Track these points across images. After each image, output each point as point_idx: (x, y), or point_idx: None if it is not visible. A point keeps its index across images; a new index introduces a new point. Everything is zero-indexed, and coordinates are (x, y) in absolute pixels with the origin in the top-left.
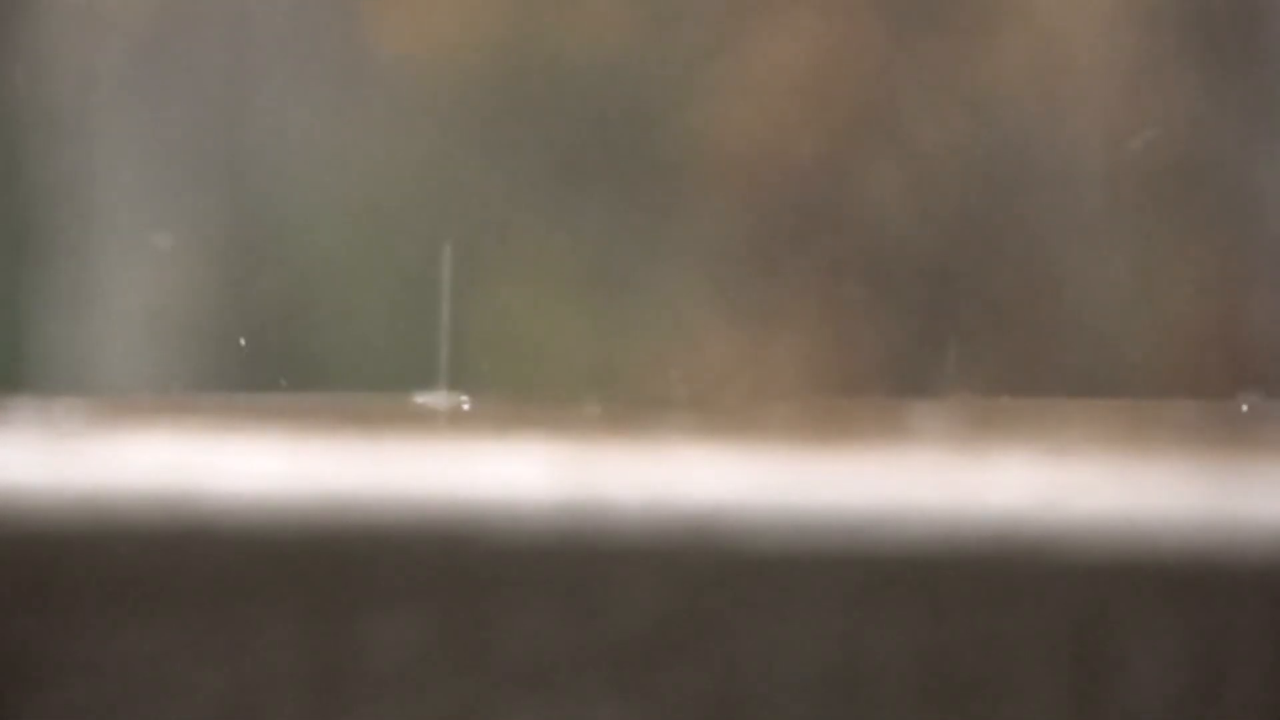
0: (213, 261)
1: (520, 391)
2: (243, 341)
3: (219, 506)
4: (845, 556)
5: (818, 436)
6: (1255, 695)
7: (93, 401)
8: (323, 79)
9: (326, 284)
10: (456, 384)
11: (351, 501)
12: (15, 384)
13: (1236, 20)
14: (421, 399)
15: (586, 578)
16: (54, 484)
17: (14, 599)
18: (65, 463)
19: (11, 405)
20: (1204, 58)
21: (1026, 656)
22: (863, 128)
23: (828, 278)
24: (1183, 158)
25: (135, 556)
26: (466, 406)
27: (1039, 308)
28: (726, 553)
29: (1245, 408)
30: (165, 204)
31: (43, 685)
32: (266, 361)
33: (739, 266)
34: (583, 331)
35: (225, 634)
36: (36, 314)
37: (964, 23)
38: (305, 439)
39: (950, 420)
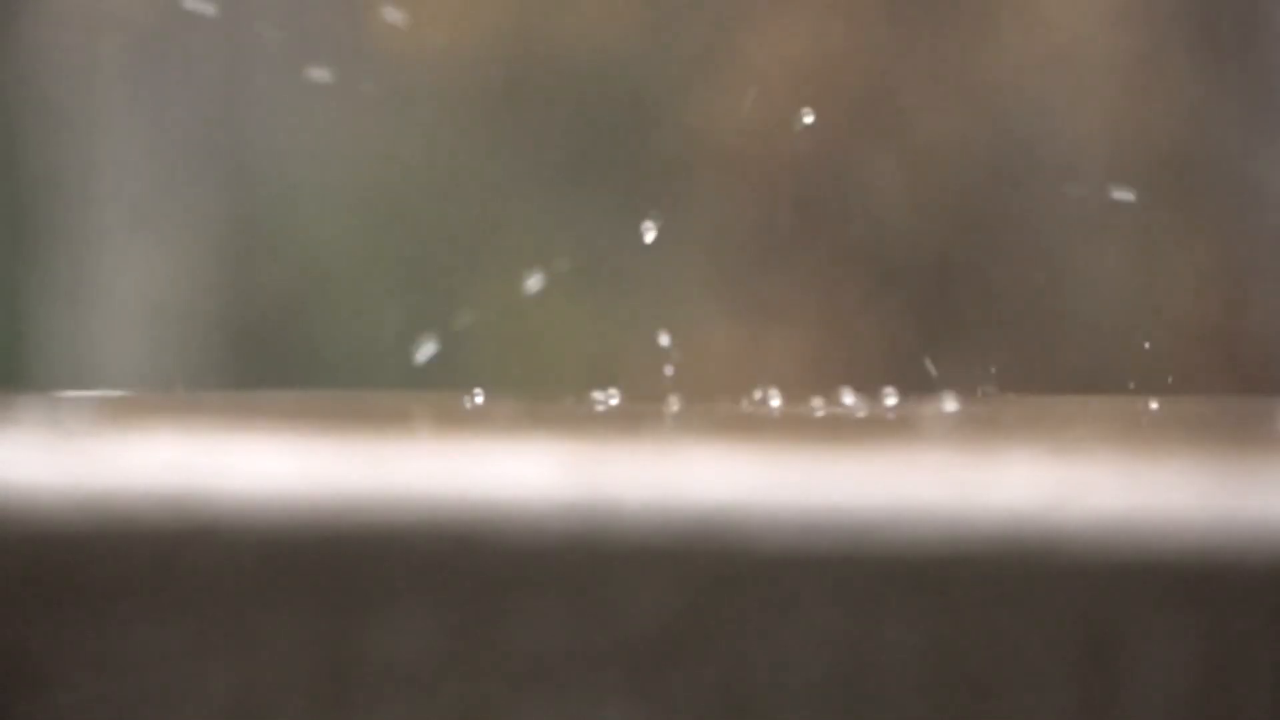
0: (215, 257)
1: (519, 385)
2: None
3: (226, 505)
4: (852, 556)
5: (825, 436)
6: (1263, 692)
7: (99, 400)
8: (324, 73)
9: (329, 278)
10: (458, 380)
11: (359, 501)
12: (21, 382)
13: (1238, 16)
14: (428, 397)
15: (595, 577)
16: (60, 483)
17: (21, 598)
18: (71, 461)
19: (17, 404)
20: (1205, 53)
21: (1034, 655)
22: (865, 122)
23: (830, 273)
24: (1186, 153)
25: (142, 556)
26: (479, 401)
27: (1044, 303)
28: (734, 552)
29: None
30: (168, 200)
31: (50, 684)
32: (268, 357)
33: (742, 260)
34: (584, 325)
35: (233, 633)
36: (41, 311)
37: (966, 17)
38: (312, 438)
39: (956, 419)
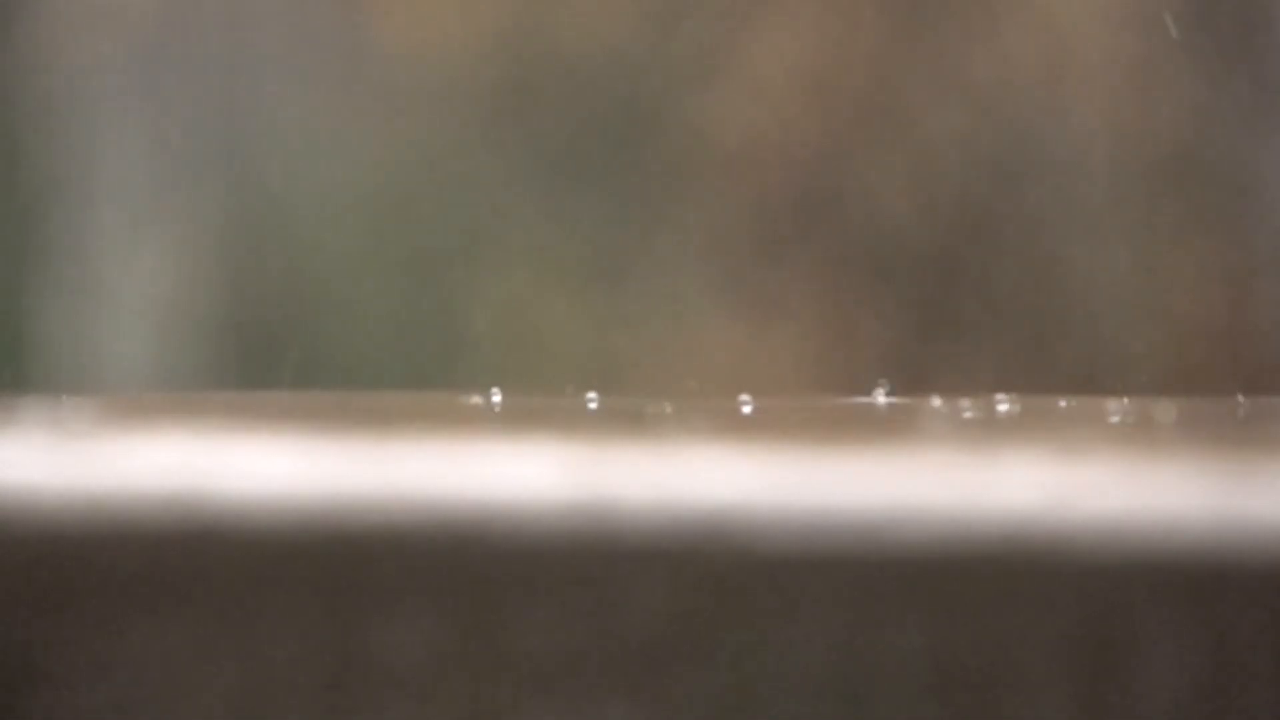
0: (216, 257)
1: (519, 385)
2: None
3: (227, 506)
4: (854, 557)
5: (826, 437)
6: (1264, 692)
7: (101, 401)
8: (325, 73)
9: (330, 278)
10: (458, 380)
11: (360, 501)
12: (23, 383)
13: (1238, 16)
14: (428, 397)
15: (597, 578)
16: (63, 484)
17: (24, 599)
18: (74, 463)
19: (20, 405)
20: (1206, 53)
21: (1036, 656)
22: (865, 121)
23: (830, 273)
24: (1187, 151)
25: (144, 556)
26: (494, 400)
27: (1044, 303)
28: (736, 553)
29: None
30: (169, 200)
31: (53, 685)
32: (269, 357)
33: (742, 259)
34: (584, 325)
35: (236, 634)
36: (43, 312)
37: (967, 16)
38: (315, 438)
39: (956, 419)
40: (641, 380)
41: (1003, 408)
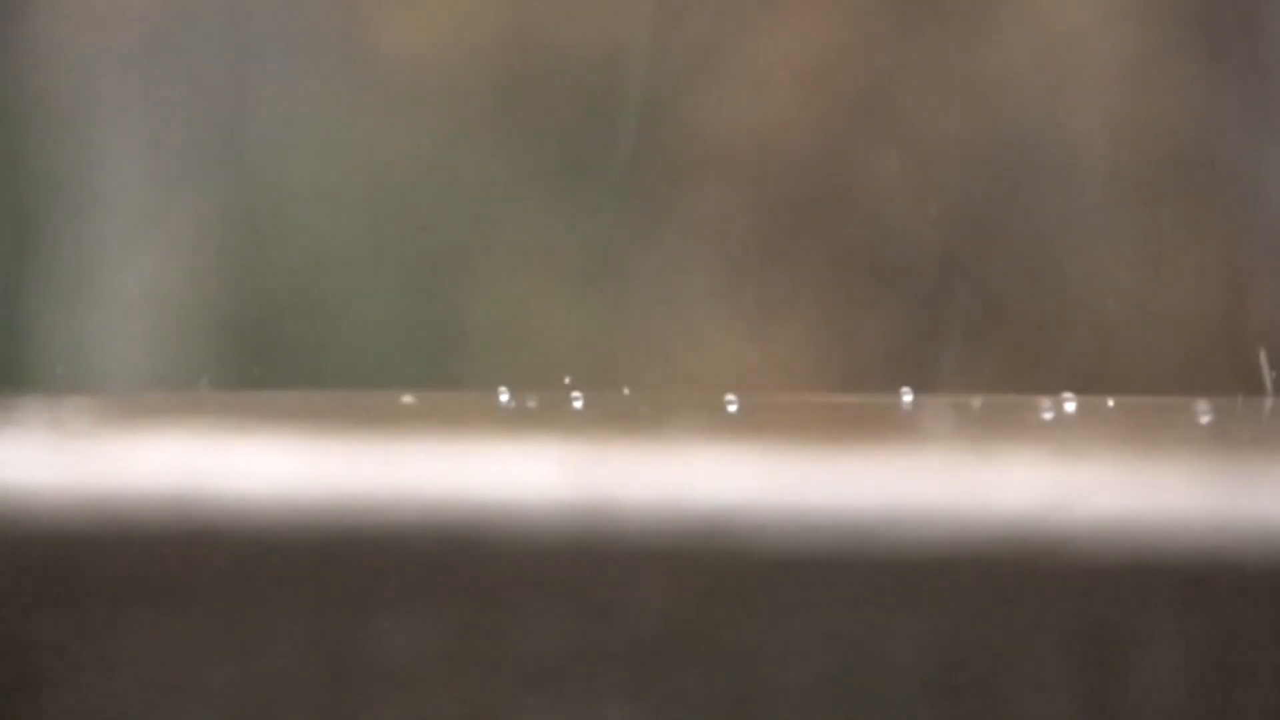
0: (216, 257)
1: (520, 384)
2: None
3: (227, 506)
4: (853, 556)
5: (827, 436)
6: (1263, 692)
7: (101, 401)
8: (324, 73)
9: (330, 278)
10: (458, 380)
11: (360, 501)
12: (22, 383)
13: (1238, 16)
14: (428, 397)
15: (595, 577)
16: (61, 483)
17: (25, 599)
18: (74, 463)
19: (20, 405)
20: (1207, 50)
21: (1036, 656)
22: (865, 120)
23: (830, 273)
24: (1187, 151)
25: (143, 556)
26: (504, 399)
27: (1044, 303)
28: (737, 553)
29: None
30: (169, 200)
31: (52, 684)
32: (269, 357)
33: (742, 259)
34: (583, 324)
35: (237, 633)
36: (42, 311)
37: (966, 16)
38: (315, 438)
39: (957, 419)
40: (641, 380)
41: (1002, 408)
